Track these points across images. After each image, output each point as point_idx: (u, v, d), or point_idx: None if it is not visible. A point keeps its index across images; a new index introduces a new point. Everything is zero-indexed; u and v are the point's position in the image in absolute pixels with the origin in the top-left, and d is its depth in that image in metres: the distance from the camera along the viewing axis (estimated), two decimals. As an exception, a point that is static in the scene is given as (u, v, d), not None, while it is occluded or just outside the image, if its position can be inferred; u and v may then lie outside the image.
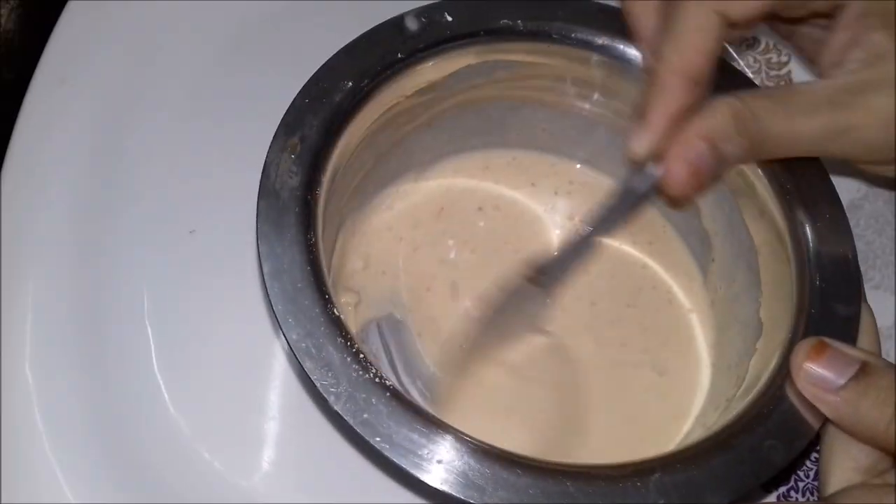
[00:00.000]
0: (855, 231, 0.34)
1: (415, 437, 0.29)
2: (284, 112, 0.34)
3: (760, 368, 0.34)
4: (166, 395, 0.38)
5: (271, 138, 0.33)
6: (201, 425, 0.38)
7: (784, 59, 0.46)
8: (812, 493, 0.38)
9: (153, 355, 0.39)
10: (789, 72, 0.46)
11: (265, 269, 0.31)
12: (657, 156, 0.34)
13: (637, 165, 0.35)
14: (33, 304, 0.39)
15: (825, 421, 0.31)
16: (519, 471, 0.29)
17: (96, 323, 0.39)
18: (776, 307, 0.35)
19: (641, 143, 0.34)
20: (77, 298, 0.39)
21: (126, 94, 0.43)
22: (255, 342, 0.40)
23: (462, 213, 0.42)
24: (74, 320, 0.39)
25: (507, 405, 0.38)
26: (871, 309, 0.34)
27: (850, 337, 0.33)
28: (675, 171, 0.33)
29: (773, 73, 0.47)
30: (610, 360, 0.39)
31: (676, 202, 0.38)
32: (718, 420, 0.33)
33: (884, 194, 0.43)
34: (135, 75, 0.44)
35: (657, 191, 0.35)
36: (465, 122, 0.41)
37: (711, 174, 0.33)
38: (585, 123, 0.41)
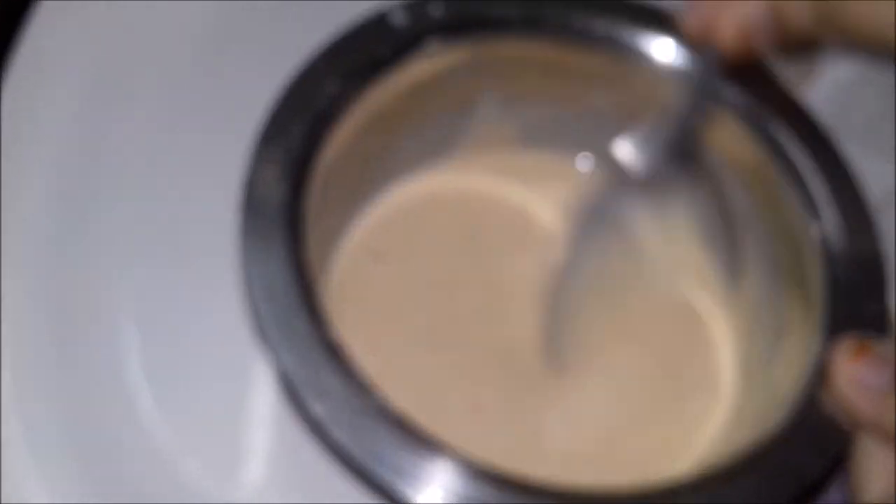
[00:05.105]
0: (887, 229, 0.34)
1: (422, 464, 0.28)
2: (264, 119, 0.33)
3: (788, 370, 0.33)
4: (149, 403, 0.37)
5: (256, 139, 0.32)
6: (186, 435, 0.36)
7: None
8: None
9: (135, 361, 0.37)
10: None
11: (253, 291, 0.31)
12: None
13: (696, 43, 0.34)
14: (8, 306, 0.37)
15: (859, 427, 0.30)
16: (534, 497, 0.28)
17: (75, 326, 0.38)
18: (800, 306, 0.34)
19: (693, 14, 0.33)
20: (55, 300, 0.38)
21: (106, 86, 0.42)
22: (244, 348, 0.37)
23: (458, 215, 0.41)
24: (52, 323, 0.37)
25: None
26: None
27: (882, 335, 0.32)
28: (723, 27, 0.32)
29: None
30: (626, 367, 0.38)
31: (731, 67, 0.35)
32: (748, 432, 0.32)
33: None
34: (115, 64, 0.42)
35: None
36: (459, 121, 0.40)
37: (767, 36, 0.32)
38: (587, 118, 0.40)
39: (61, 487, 0.35)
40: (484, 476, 0.28)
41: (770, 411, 0.32)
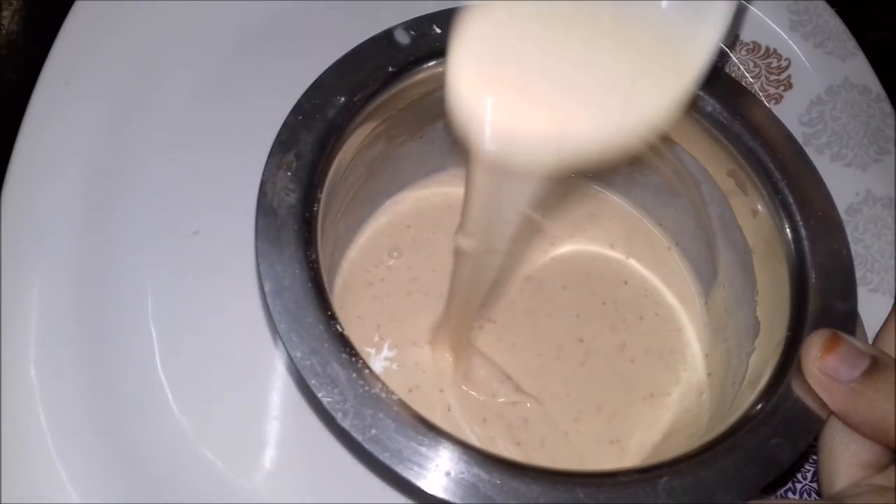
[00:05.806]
0: (854, 235, 0.34)
1: (423, 450, 0.29)
2: (278, 130, 0.34)
3: (760, 366, 0.34)
4: (170, 396, 0.38)
5: (272, 147, 0.33)
6: (204, 425, 0.38)
7: (784, 63, 0.46)
8: (809, 495, 0.38)
9: (157, 356, 0.39)
10: (789, 76, 0.46)
11: (266, 288, 0.31)
12: None
13: None
14: (37, 305, 0.38)
15: (829, 415, 0.31)
16: (528, 479, 0.29)
17: (100, 324, 0.39)
18: (773, 306, 0.35)
19: None
20: (81, 299, 0.39)
21: (131, 96, 0.43)
22: (258, 343, 0.39)
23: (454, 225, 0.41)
24: (78, 321, 0.39)
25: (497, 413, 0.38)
26: None
27: (850, 333, 0.32)
28: None
29: (773, 77, 0.46)
30: (602, 367, 0.39)
31: None
32: (723, 420, 0.33)
33: (883, 198, 0.43)
34: (139, 77, 0.44)
35: None
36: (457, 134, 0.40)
37: None
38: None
39: (87, 483, 0.36)
40: (483, 460, 0.29)
41: (745, 400, 0.33)
